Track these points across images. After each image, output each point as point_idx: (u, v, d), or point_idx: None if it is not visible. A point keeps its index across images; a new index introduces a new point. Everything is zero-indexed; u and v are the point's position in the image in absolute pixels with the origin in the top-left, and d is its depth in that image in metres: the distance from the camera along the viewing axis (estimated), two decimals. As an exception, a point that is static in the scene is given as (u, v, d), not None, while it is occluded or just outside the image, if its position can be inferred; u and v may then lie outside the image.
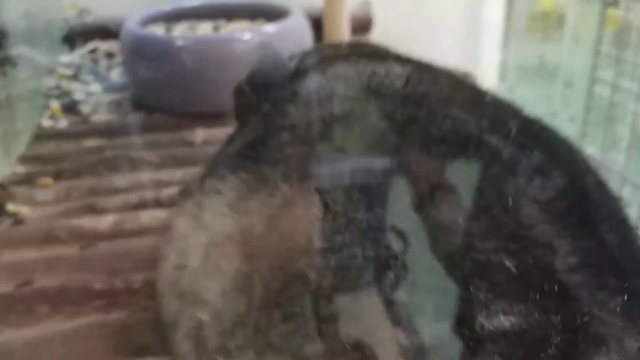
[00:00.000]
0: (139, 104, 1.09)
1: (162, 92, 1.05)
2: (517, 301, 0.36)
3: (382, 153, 0.40)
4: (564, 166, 0.42)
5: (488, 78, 1.49)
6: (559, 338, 0.36)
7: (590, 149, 1.16)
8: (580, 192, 0.41)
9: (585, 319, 0.36)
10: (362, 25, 1.36)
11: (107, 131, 1.01)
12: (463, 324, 0.35)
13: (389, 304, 0.37)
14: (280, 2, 1.19)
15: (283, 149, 0.43)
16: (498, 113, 0.45)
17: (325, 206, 0.38)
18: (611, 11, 1.10)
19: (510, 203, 0.38)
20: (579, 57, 1.14)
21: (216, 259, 0.40)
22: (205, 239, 0.42)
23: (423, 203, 0.39)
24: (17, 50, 1.15)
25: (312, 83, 0.48)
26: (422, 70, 0.49)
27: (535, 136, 0.44)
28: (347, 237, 0.37)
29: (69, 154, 0.92)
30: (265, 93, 0.51)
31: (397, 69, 0.49)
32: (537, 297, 0.36)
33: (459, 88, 0.48)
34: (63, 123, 1.05)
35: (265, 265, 0.38)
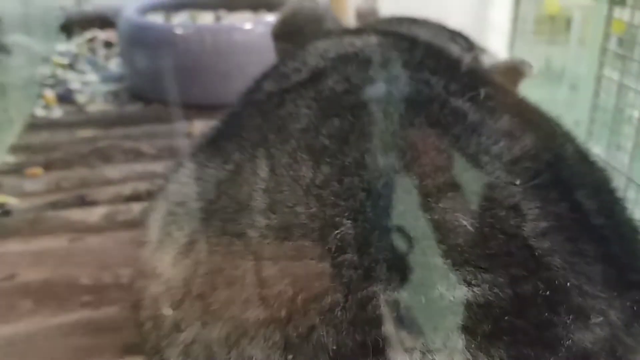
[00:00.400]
0: (136, 95, 1.06)
1: (161, 82, 1.02)
2: (481, 269, 0.32)
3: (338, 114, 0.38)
4: (536, 130, 0.39)
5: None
6: (531, 310, 0.31)
7: (596, 149, 1.13)
8: (553, 155, 0.38)
9: (560, 288, 0.33)
10: (366, 19, 1.32)
11: (102, 121, 0.97)
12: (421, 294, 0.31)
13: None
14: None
15: (243, 123, 0.43)
16: (471, 80, 0.43)
17: (272, 170, 0.35)
18: (617, 14, 1.07)
19: (471, 162, 0.35)
20: (585, 60, 1.12)
21: (170, 228, 0.37)
22: (164, 210, 0.39)
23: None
24: (12, 37, 1.12)
25: (293, 59, 0.47)
26: (400, 40, 0.48)
27: (508, 104, 0.42)
28: (289, 196, 0.34)
29: (62, 144, 0.89)
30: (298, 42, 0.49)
31: (371, 39, 0.48)
32: (504, 263, 0.32)
33: (434, 56, 0.46)
34: (57, 112, 1.01)
35: (211, 229, 0.35)
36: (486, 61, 0.55)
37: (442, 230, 0.33)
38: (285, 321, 0.31)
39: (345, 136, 0.36)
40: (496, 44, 1.45)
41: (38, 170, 0.80)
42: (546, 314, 0.32)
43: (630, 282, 0.35)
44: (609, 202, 0.39)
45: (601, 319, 0.33)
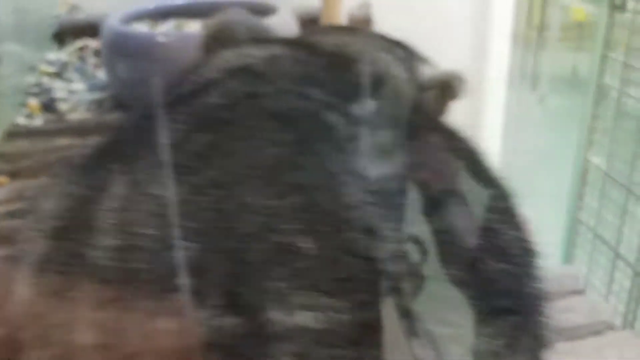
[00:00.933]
0: (119, 103, 1.05)
1: (143, 90, 1.00)
2: (325, 293, 0.30)
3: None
4: (418, 149, 0.38)
5: (496, 83, 1.41)
6: (375, 337, 0.29)
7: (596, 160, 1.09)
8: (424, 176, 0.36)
9: (410, 314, 0.31)
10: (360, 26, 1.30)
11: (81, 130, 0.96)
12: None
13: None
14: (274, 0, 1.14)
15: (122, 137, 0.43)
16: (351, 92, 0.40)
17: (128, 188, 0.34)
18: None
19: (331, 181, 0.33)
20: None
21: (27, 246, 0.36)
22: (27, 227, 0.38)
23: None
24: (4, 46, 1.12)
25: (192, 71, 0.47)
26: (301, 50, 0.47)
27: (385, 117, 0.39)
28: (135, 216, 0.32)
29: (34, 153, 0.88)
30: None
31: (272, 50, 0.46)
32: (350, 288, 0.30)
33: (329, 68, 0.44)
34: (38, 121, 1.01)
35: (58, 249, 0.34)
36: (426, 73, 0.52)
37: (284, 254, 0.30)
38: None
39: (207, 154, 0.34)
40: (497, 47, 1.41)
41: (4, 179, 0.79)
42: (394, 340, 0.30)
43: (498, 309, 0.33)
44: (492, 223, 0.36)
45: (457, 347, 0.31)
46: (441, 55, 0.54)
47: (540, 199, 0.74)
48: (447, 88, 0.49)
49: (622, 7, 1.00)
